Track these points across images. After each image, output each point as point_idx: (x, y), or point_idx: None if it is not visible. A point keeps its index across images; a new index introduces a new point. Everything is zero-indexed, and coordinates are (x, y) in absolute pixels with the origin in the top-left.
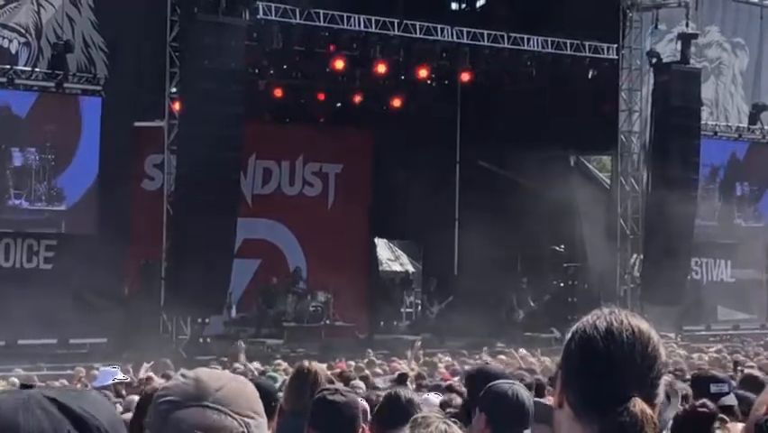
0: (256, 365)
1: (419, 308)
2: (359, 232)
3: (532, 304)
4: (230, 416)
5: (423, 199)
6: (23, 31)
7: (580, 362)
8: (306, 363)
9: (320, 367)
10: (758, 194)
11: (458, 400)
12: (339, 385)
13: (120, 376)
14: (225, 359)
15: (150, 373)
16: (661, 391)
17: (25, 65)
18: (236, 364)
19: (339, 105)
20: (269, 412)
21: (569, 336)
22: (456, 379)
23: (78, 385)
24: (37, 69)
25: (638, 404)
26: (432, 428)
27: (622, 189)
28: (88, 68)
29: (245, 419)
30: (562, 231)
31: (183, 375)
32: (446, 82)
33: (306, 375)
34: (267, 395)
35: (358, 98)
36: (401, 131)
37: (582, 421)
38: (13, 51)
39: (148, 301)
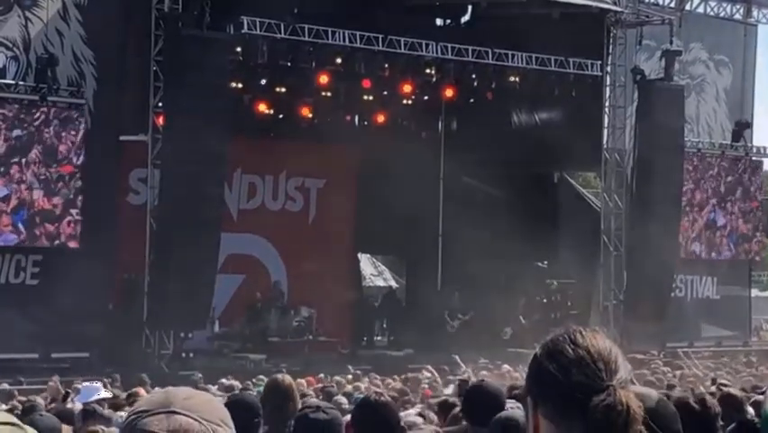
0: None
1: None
2: (342, 247)
3: (522, 321)
4: (197, 421)
5: (406, 215)
6: (11, 44)
7: (552, 370)
8: (279, 376)
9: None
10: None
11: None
12: (321, 402)
13: (103, 393)
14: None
15: (138, 388)
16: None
17: (13, 79)
18: None
19: (323, 119)
20: (253, 428)
21: (535, 354)
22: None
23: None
24: (21, 83)
25: (617, 390)
26: None
27: (606, 206)
28: (78, 81)
29: (213, 426)
30: (546, 247)
31: (153, 391)
32: (430, 97)
33: (281, 388)
34: (250, 410)
35: (342, 113)
36: (385, 146)
37: (563, 428)
38: (0, 65)
39: (131, 316)
